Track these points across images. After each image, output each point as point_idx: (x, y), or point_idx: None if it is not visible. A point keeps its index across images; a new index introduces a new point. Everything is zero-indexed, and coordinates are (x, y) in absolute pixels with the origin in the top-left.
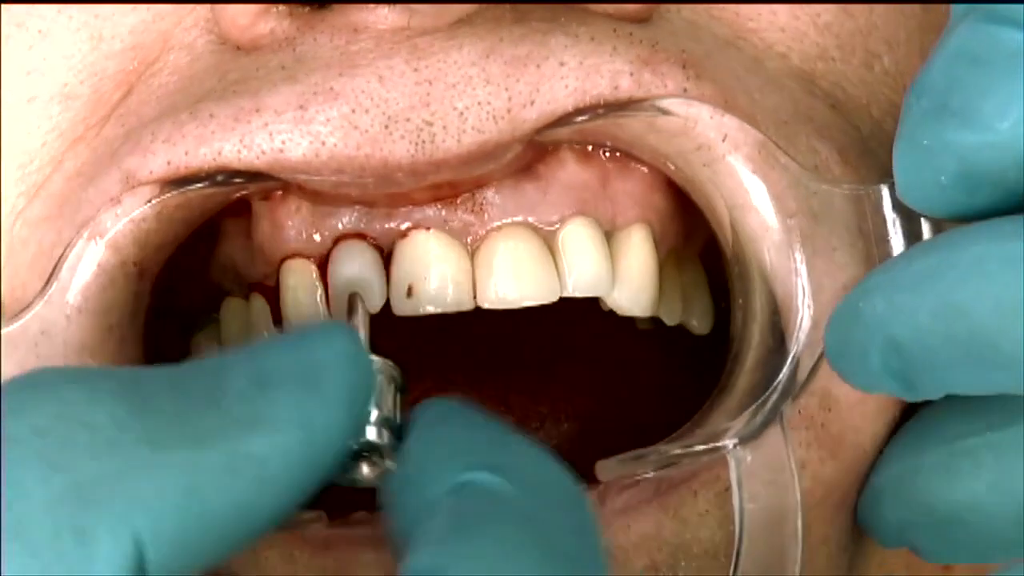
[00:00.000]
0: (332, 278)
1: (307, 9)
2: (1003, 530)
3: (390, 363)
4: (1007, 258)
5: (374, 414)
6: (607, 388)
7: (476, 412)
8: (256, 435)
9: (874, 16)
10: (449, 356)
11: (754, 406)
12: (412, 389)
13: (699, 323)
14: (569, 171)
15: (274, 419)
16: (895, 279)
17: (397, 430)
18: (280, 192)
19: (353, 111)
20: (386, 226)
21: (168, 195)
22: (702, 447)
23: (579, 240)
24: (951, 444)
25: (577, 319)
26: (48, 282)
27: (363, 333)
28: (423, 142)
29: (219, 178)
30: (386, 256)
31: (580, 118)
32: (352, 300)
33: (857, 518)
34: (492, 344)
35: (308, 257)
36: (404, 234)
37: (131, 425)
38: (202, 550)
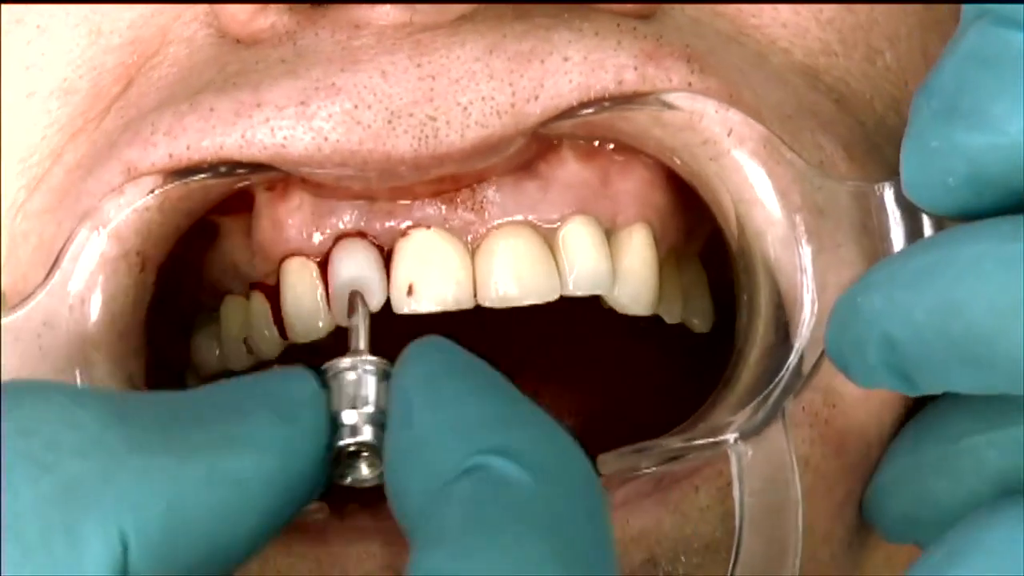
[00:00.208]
0: (333, 277)
1: (307, 5)
2: None
3: (386, 362)
4: (1005, 258)
5: (370, 412)
6: (607, 386)
7: (476, 364)
8: (236, 453)
9: (875, 12)
10: None
11: (756, 401)
12: None
13: (699, 321)
14: (570, 170)
15: (254, 441)
16: (894, 275)
17: None
18: (282, 184)
19: (356, 107)
20: (387, 225)
21: (171, 185)
22: (703, 441)
23: (579, 239)
24: (955, 442)
25: (577, 318)
26: (50, 272)
27: (363, 332)
28: (426, 137)
29: (222, 169)
30: (387, 255)
31: (585, 111)
32: (352, 299)
33: (862, 513)
34: (492, 343)
35: (309, 256)
36: (405, 233)
37: (116, 427)
38: (184, 560)
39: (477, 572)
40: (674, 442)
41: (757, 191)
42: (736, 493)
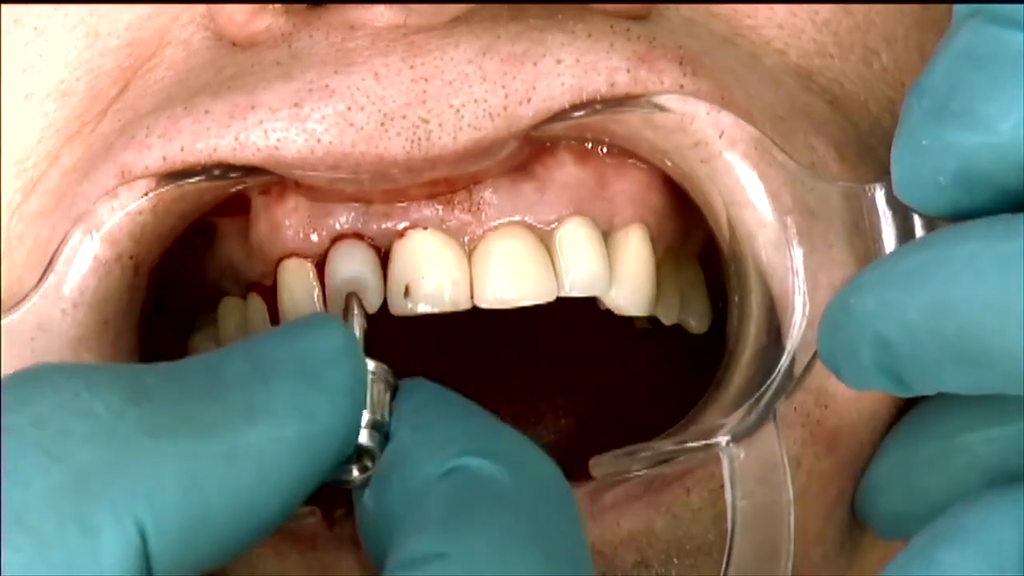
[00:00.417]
0: (329, 278)
1: (303, 6)
2: None
3: (384, 366)
4: (998, 258)
5: (366, 417)
6: (604, 387)
7: (460, 399)
8: (256, 426)
9: (872, 13)
10: (446, 356)
11: (748, 403)
12: None
13: (696, 322)
14: (566, 171)
15: (274, 410)
16: (886, 276)
17: (389, 434)
18: (277, 187)
19: (349, 108)
20: (383, 226)
21: (164, 188)
22: (695, 444)
23: (576, 240)
24: (950, 439)
25: (574, 319)
26: (43, 275)
27: (360, 333)
28: (419, 139)
29: (216, 172)
30: (383, 256)
31: (577, 114)
32: (349, 300)
33: (854, 509)
34: (489, 344)
35: (306, 257)
36: (401, 234)
37: (129, 414)
38: (205, 543)
39: (461, 552)
40: (666, 444)
41: (748, 193)
42: (728, 496)
